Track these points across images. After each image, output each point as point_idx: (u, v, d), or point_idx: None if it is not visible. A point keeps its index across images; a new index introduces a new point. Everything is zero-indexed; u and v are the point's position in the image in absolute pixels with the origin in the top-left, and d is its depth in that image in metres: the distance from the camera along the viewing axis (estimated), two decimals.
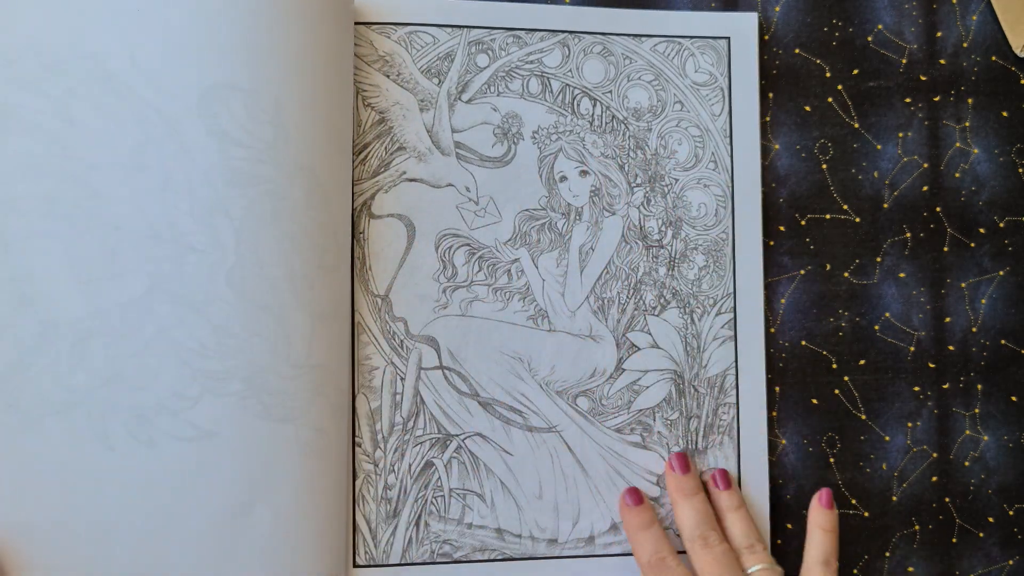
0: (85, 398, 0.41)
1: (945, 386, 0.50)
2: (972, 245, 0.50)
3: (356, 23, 0.47)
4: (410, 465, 0.46)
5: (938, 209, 0.50)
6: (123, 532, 0.41)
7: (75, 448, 0.41)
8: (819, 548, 0.46)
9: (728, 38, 0.49)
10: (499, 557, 0.46)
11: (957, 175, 0.51)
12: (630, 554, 0.47)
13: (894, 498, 0.49)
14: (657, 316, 0.48)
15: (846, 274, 0.50)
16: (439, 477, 0.46)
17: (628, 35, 0.49)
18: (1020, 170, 0.51)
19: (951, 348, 0.50)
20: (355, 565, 0.45)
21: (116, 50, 0.41)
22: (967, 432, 0.50)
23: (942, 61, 0.51)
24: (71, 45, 0.41)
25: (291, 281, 0.42)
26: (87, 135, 0.42)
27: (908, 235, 0.50)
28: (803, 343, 0.49)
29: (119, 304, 0.41)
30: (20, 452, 0.41)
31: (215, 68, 0.42)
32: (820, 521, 0.47)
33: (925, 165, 0.50)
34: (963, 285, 0.50)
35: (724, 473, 0.47)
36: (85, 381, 0.41)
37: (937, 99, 0.51)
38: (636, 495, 0.46)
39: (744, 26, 0.49)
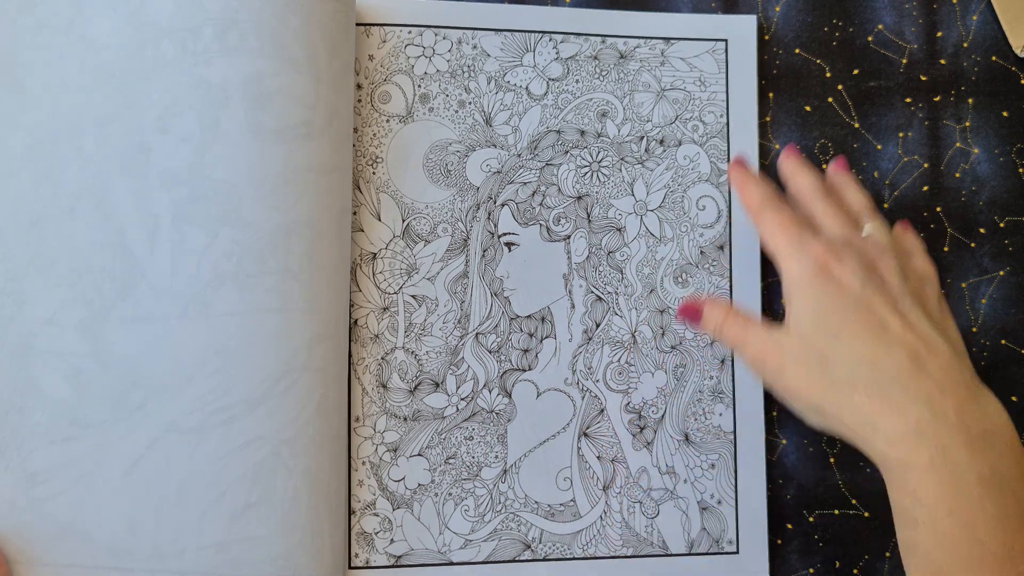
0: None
1: None
2: (972, 245, 0.50)
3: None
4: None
5: (938, 209, 0.50)
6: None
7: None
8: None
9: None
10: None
11: (957, 175, 0.51)
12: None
13: None
14: None
15: None
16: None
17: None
18: (1020, 170, 0.51)
19: None
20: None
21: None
22: None
23: (942, 61, 0.51)
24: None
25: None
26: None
27: None
28: None
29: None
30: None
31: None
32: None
33: (925, 165, 0.50)
34: (963, 285, 0.50)
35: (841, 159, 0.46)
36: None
37: (937, 99, 0.51)
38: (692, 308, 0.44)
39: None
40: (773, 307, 0.49)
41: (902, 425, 0.36)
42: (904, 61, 0.51)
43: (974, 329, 0.50)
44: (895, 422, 0.36)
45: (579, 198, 0.48)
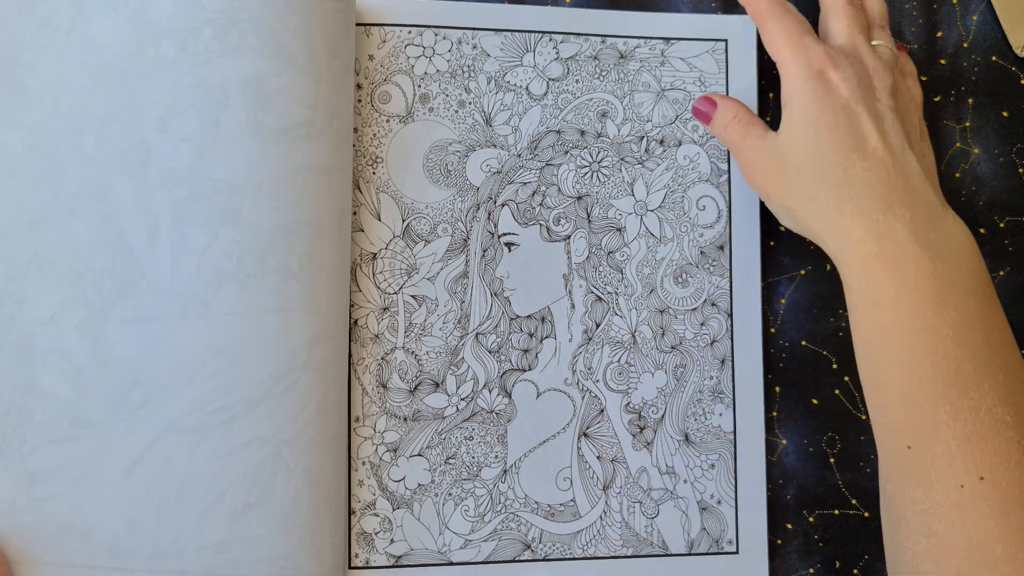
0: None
1: None
2: None
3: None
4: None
5: None
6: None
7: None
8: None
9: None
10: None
11: (957, 175, 0.51)
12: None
13: None
14: None
15: None
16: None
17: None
18: (1020, 170, 0.51)
19: None
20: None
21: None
22: None
23: (942, 61, 0.51)
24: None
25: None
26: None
27: None
28: (803, 343, 0.49)
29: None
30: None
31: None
32: None
33: None
34: None
35: None
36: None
37: (937, 99, 0.51)
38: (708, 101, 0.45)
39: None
40: (773, 306, 0.49)
41: (860, 227, 0.38)
42: None
43: None
44: (854, 222, 0.38)
45: (579, 198, 0.48)
